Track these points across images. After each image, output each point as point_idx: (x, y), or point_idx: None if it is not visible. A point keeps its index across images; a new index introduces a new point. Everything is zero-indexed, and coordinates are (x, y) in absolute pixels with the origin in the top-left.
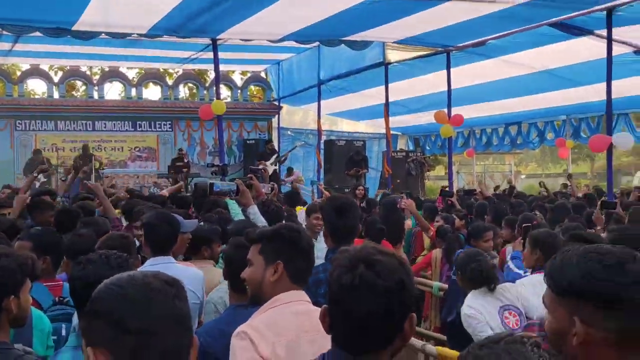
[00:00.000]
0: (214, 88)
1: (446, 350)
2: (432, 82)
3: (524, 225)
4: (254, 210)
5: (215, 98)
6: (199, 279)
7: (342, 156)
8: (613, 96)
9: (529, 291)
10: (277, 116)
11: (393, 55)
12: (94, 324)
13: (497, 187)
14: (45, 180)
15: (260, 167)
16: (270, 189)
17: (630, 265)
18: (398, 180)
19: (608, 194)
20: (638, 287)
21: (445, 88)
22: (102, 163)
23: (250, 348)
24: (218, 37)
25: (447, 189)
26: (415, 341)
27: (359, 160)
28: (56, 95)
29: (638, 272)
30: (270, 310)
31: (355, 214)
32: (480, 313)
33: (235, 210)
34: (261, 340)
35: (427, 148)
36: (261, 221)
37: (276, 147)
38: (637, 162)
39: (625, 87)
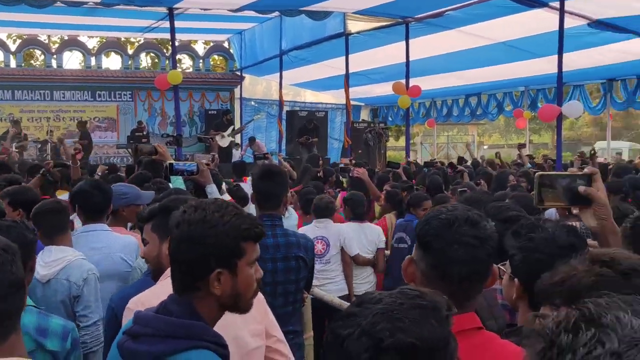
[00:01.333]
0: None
1: None
2: (393, 53)
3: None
4: (212, 189)
5: (176, 68)
6: (132, 247)
7: (312, 132)
8: (568, 68)
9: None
10: (239, 86)
11: (353, 26)
12: None
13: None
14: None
15: (209, 136)
16: (211, 159)
17: (434, 220)
18: (359, 151)
19: (557, 163)
20: (436, 237)
21: (403, 59)
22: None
23: None
24: (175, 5)
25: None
26: None
27: (311, 128)
28: (13, 64)
29: (438, 226)
30: (159, 283)
31: (279, 181)
32: None
33: (176, 180)
34: None
35: (390, 119)
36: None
37: (239, 118)
38: (597, 132)
39: (581, 59)
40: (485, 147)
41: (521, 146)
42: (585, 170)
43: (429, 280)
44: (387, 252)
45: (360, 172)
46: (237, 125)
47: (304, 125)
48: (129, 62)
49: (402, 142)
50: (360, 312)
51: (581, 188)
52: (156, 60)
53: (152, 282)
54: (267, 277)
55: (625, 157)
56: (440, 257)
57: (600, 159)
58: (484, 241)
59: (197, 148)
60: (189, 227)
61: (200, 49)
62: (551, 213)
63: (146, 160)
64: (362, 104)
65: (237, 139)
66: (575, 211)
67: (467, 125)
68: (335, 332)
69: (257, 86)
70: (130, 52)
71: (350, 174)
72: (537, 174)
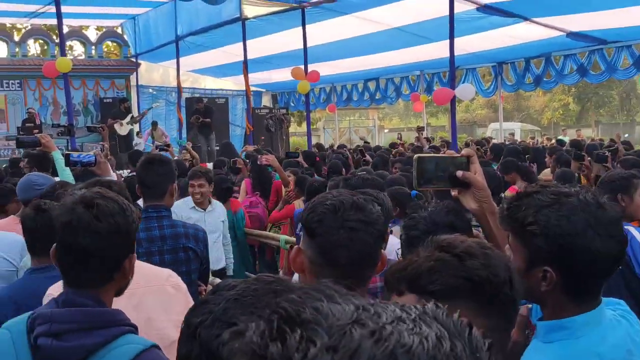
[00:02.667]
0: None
1: None
2: (291, 39)
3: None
4: None
5: (65, 55)
6: (16, 245)
7: (205, 114)
8: (460, 52)
9: None
10: (135, 73)
11: (249, 11)
12: None
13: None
14: None
15: (99, 125)
16: (100, 148)
17: (320, 207)
18: (262, 138)
19: (452, 145)
20: (321, 223)
21: (302, 46)
22: None
23: None
24: None
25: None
26: None
27: (200, 109)
28: None
29: (323, 212)
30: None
31: (162, 171)
32: None
33: (60, 166)
34: None
35: (292, 104)
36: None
37: (136, 106)
38: (491, 114)
39: (472, 42)
40: (386, 130)
41: (419, 129)
42: (463, 152)
43: (317, 267)
44: None
45: (270, 159)
46: (136, 113)
47: (196, 109)
48: (16, 50)
49: (305, 127)
50: (213, 299)
51: (459, 173)
52: (45, 47)
53: (40, 276)
54: None
55: (518, 137)
56: (326, 243)
57: (494, 140)
58: (369, 225)
59: (93, 138)
60: (113, 218)
61: (92, 35)
62: None
63: (32, 153)
64: (263, 90)
65: (137, 127)
66: (453, 193)
67: (367, 109)
68: (189, 321)
69: (154, 73)
70: (16, 38)
71: (259, 162)
72: (415, 156)
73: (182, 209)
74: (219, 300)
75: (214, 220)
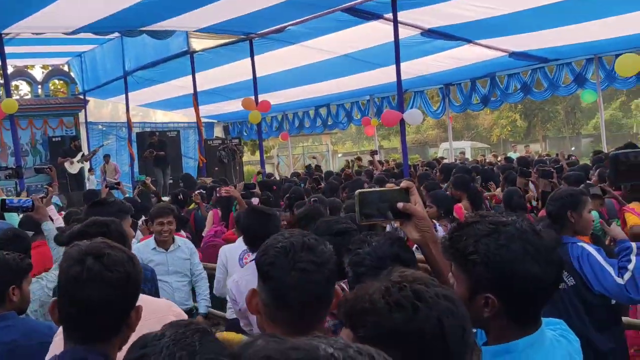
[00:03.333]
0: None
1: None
2: (240, 70)
3: None
4: (49, 227)
5: (10, 95)
6: None
7: (159, 148)
8: (407, 76)
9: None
10: (83, 111)
11: (197, 44)
12: None
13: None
14: None
15: (45, 166)
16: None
17: (271, 249)
18: (216, 168)
19: (404, 167)
20: (273, 266)
21: (251, 76)
22: None
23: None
24: (4, 31)
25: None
26: None
27: (154, 142)
28: None
29: (274, 255)
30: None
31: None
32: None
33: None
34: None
35: (245, 134)
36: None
37: (86, 143)
38: (441, 134)
39: (419, 66)
40: (340, 155)
41: (373, 153)
42: (402, 184)
43: (271, 310)
44: None
45: (231, 190)
46: (86, 150)
47: (151, 143)
48: None
49: (257, 155)
50: (151, 351)
51: (399, 205)
52: None
53: None
54: None
55: (469, 155)
56: (278, 286)
57: (445, 160)
58: (321, 265)
59: (42, 178)
60: (124, 267)
61: (38, 73)
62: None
63: None
64: (215, 120)
65: (88, 164)
66: (395, 224)
67: (320, 135)
68: None
69: (103, 109)
70: None
71: (218, 194)
72: (356, 191)
73: (143, 252)
74: (157, 350)
75: (177, 261)
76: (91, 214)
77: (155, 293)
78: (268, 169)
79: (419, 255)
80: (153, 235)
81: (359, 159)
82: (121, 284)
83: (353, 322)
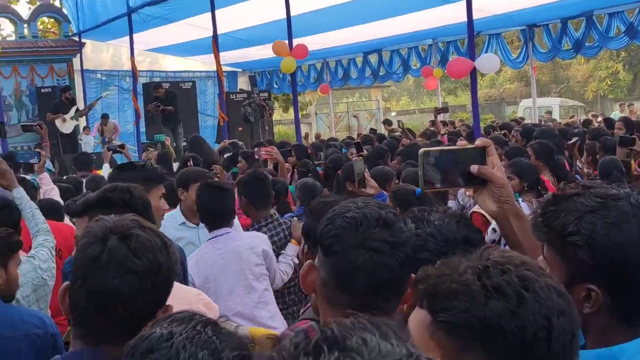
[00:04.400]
0: None
1: None
2: (271, 6)
3: None
4: (20, 194)
5: None
6: None
7: (167, 102)
8: (480, 14)
9: None
10: (79, 56)
11: None
12: None
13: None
14: None
15: (34, 124)
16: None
17: (339, 219)
18: (240, 129)
19: (474, 129)
20: (338, 239)
21: (284, 15)
22: None
23: None
24: None
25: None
26: None
27: (160, 96)
28: None
29: (342, 226)
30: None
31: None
32: None
33: None
34: None
35: (275, 86)
36: (29, 207)
37: (82, 96)
38: (522, 88)
39: (494, 2)
40: (393, 113)
41: (441, 110)
42: (477, 142)
43: (330, 291)
44: None
45: (274, 152)
46: (82, 105)
47: (154, 96)
48: None
49: (292, 114)
50: (165, 356)
51: (473, 167)
52: None
53: None
54: None
55: (556, 115)
56: (343, 264)
57: (527, 121)
58: (396, 247)
59: (29, 138)
60: (154, 254)
61: (23, 10)
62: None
63: None
64: (239, 70)
65: (84, 121)
66: (468, 193)
67: (369, 89)
68: None
69: (102, 54)
70: None
71: (257, 156)
72: (420, 150)
73: (167, 228)
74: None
75: None
76: (116, 180)
77: (184, 278)
78: (304, 130)
79: None
80: (179, 206)
81: (388, 121)
82: (149, 275)
83: (434, 305)
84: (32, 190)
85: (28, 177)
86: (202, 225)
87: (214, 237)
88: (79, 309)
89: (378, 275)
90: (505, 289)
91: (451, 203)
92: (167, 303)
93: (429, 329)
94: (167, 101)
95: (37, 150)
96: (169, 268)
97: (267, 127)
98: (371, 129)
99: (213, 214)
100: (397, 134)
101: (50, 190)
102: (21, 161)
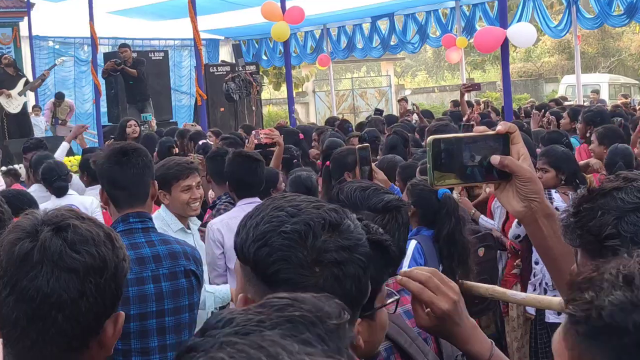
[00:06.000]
0: None
1: None
2: None
3: None
4: None
5: None
6: None
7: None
8: None
9: None
10: (26, 19)
11: None
12: None
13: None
14: None
15: None
16: None
17: (274, 236)
18: (222, 109)
19: (506, 111)
20: None
21: None
22: None
23: None
24: None
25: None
26: None
27: (124, 59)
28: None
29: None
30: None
31: (142, 164)
32: None
33: None
34: None
35: (264, 58)
36: None
37: (30, 67)
38: (564, 63)
39: None
40: (408, 92)
41: (471, 87)
42: (499, 127)
43: None
44: None
45: (275, 134)
46: (31, 77)
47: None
48: None
49: (284, 91)
50: (203, 344)
51: (495, 158)
52: None
53: None
54: (150, 304)
55: (605, 95)
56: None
57: (571, 102)
58: (353, 250)
59: None
60: (97, 248)
61: None
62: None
63: None
64: (221, 37)
65: (33, 98)
66: (488, 189)
67: (379, 61)
68: None
69: (55, 18)
70: None
71: (255, 139)
72: (428, 138)
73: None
74: (211, 342)
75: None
76: (117, 168)
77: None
78: (301, 110)
79: None
80: (161, 207)
81: (403, 100)
82: (92, 274)
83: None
84: None
85: None
86: (195, 230)
87: (245, 203)
88: (9, 323)
89: (345, 295)
90: (637, 280)
91: None
92: None
93: (563, 328)
94: (131, 66)
95: None
96: (116, 265)
97: (254, 108)
98: (376, 110)
99: (244, 184)
100: (408, 117)
101: None
102: None
